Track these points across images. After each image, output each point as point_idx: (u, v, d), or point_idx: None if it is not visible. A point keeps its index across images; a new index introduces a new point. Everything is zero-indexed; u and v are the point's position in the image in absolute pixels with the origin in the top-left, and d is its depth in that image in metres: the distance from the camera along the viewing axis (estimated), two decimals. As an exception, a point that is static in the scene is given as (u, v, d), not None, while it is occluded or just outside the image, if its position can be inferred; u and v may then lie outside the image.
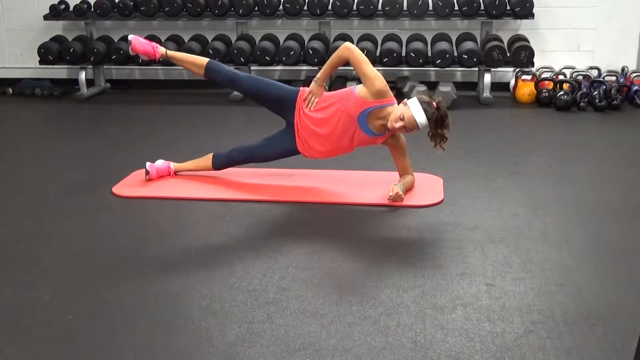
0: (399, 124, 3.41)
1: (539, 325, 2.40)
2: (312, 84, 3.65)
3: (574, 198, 3.66)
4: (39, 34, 6.69)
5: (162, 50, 3.88)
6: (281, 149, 3.79)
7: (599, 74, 6.05)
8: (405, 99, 3.50)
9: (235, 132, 5.09)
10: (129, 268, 2.90)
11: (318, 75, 3.65)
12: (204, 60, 3.83)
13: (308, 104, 3.65)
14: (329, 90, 3.55)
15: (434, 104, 3.43)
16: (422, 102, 3.41)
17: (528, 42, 5.88)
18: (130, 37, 3.86)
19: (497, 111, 5.76)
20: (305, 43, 6.14)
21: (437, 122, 3.43)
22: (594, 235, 3.21)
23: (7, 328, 2.43)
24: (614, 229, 3.27)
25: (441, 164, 4.06)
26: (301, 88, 3.73)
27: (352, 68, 3.71)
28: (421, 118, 3.39)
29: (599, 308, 2.50)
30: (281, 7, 6.18)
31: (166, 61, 4.01)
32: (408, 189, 3.66)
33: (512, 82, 6.22)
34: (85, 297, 2.65)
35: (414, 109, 3.39)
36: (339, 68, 3.79)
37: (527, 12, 5.89)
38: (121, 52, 6.16)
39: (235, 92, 6.10)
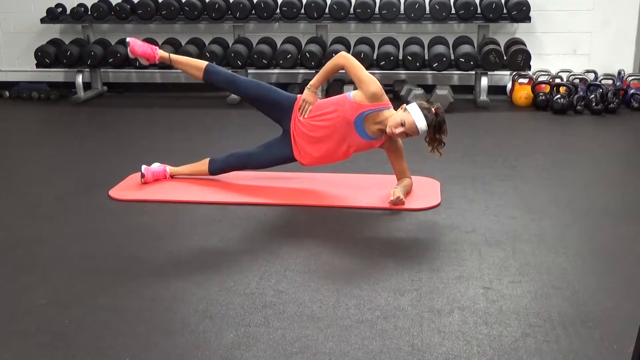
0: (399, 130, 3.41)
1: (536, 328, 2.40)
2: (305, 91, 3.65)
3: (570, 201, 3.66)
4: (36, 37, 6.69)
5: (161, 52, 3.87)
6: (277, 156, 3.78)
7: (596, 78, 6.05)
8: (405, 105, 3.50)
9: (232, 136, 5.08)
10: (125, 271, 2.89)
11: (311, 82, 3.65)
12: (203, 63, 3.83)
13: (302, 112, 3.65)
14: (326, 93, 3.57)
15: (433, 109, 3.43)
16: (422, 108, 3.41)
17: (525, 45, 5.88)
18: (128, 39, 3.85)
19: (494, 114, 5.76)
20: (303, 46, 6.14)
21: (436, 127, 3.43)
22: (591, 238, 3.22)
23: (3, 332, 2.43)
24: (610, 232, 3.27)
25: (438, 167, 4.06)
26: (298, 95, 3.72)
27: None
28: (422, 124, 3.38)
29: (596, 311, 2.50)
30: (278, 10, 6.19)
31: (163, 64, 3.99)
32: (407, 192, 3.66)
33: (509, 85, 6.23)
34: (81, 301, 2.64)
35: (415, 115, 3.38)
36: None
37: (523, 16, 5.90)
38: (118, 55, 6.15)
39: (233, 96, 6.10)
